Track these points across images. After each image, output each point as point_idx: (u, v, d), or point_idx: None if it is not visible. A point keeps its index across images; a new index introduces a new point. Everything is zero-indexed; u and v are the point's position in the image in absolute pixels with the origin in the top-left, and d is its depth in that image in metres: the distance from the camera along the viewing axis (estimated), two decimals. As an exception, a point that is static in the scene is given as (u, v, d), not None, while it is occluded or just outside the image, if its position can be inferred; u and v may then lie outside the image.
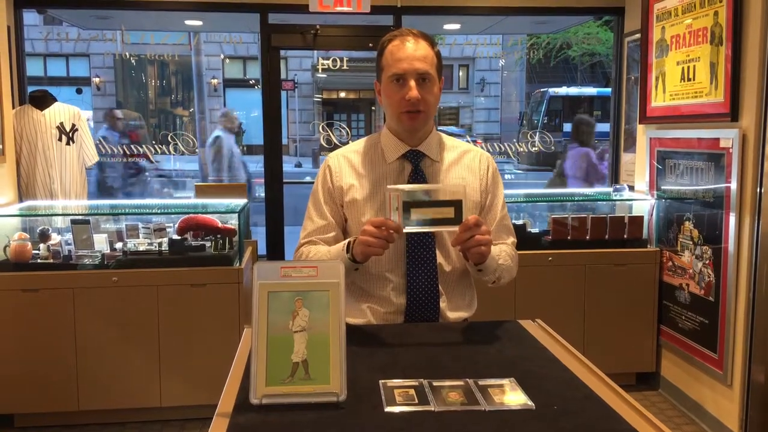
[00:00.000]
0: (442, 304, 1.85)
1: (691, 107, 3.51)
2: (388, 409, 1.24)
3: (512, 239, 1.97)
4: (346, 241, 1.76)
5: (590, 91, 15.60)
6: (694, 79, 3.47)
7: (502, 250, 1.87)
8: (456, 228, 1.61)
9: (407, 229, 1.61)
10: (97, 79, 16.71)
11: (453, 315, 1.87)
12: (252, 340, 1.29)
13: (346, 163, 1.90)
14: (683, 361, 3.72)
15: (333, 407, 1.25)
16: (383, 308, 1.84)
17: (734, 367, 3.26)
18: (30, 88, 4.53)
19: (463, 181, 1.88)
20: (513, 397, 1.30)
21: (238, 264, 3.54)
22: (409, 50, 1.77)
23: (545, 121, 14.67)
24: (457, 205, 1.61)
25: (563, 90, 15.26)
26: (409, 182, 1.84)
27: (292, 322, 1.31)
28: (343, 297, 1.33)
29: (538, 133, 6.47)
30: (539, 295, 3.83)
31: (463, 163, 1.91)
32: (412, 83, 1.75)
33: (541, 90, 15.43)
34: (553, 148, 6.30)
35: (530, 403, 1.27)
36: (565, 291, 3.87)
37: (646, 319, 3.92)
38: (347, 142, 5.53)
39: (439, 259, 1.85)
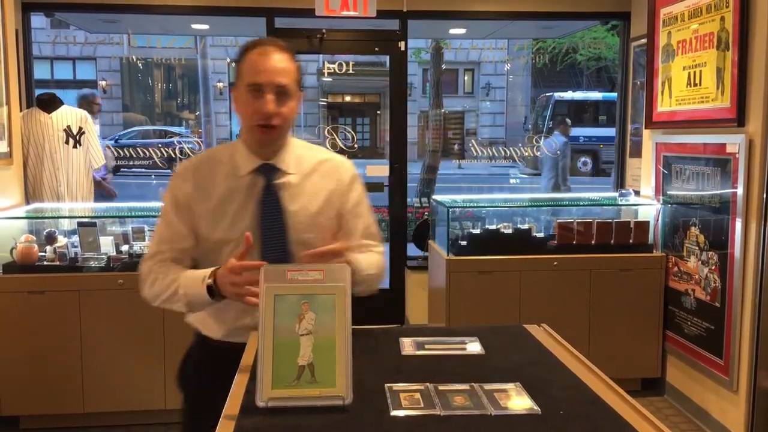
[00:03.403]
0: None
1: (698, 112, 3.50)
2: (393, 412, 1.24)
3: (380, 248, 1.88)
4: (208, 271, 1.65)
5: (595, 95, 15.60)
6: (700, 85, 3.47)
7: (373, 261, 1.80)
8: None
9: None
10: (103, 83, 16.77)
11: None
12: (258, 343, 1.29)
13: (197, 175, 1.77)
14: (689, 367, 3.71)
15: (339, 411, 1.25)
16: (231, 319, 1.77)
17: (740, 373, 3.25)
18: (37, 91, 4.55)
19: (318, 190, 1.79)
20: (519, 401, 1.30)
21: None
22: (270, 62, 1.67)
23: (550, 126, 14.67)
24: None
25: (569, 95, 15.26)
26: (260, 197, 1.73)
27: (298, 326, 1.31)
28: (349, 300, 1.33)
29: (543, 138, 6.46)
30: (544, 300, 3.82)
31: (319, 173, 1.81)
32: (270, 96, 1.66)
33: (547, 94, 15.43)
34: (558, 152, 6.29)
35: (536, 407, 1.27)
36: (570, 296, 3.86)
37: (652, 324, 3.91)
38: (353, 146, 5.55)
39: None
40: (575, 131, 14.68)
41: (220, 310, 1.74)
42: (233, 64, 1.78)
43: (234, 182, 1.75)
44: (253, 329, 1.69)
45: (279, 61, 1.68)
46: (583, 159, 14.75)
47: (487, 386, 1.36)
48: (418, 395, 1.31)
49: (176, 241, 1.76)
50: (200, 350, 1.87)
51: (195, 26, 5.52)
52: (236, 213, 1.73)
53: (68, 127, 4.33)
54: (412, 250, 5.01)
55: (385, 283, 5.04)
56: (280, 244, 1.73)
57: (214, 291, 1.62)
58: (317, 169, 1.81)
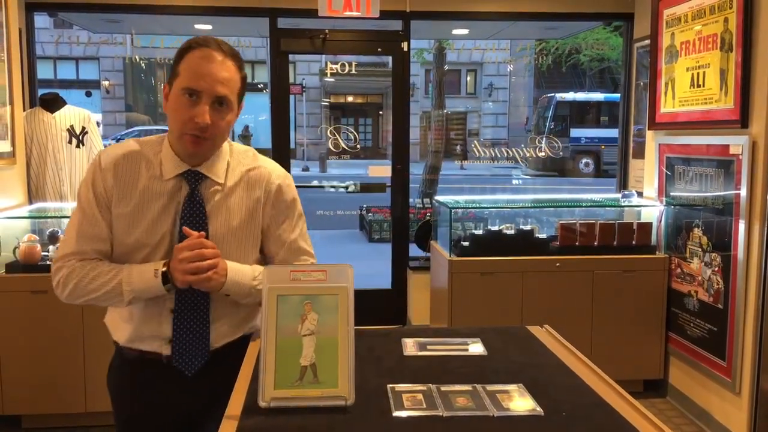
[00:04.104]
0: (213, 333, 1.64)
1: (701, 113, 3.50)
2: (396, 413, 1.24)
3: (308, 262, 1.76)
4: (158, 263, 1.58)
5: (597, 96, 15.61)
6: (703, 86, 3.47)
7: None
8: None
9: None
10: (106, 83, 16.82)
11: (222, 342, 1.67)
12: (261, 343, 1.29)
13: (119, 168, 1.61)
14: (691, 369, 3.70)
15: (341, 411, 1.25)
16: (137, 323, 1.66)
17: (743, 375, 3.24)
18: (41, 91, 4.55)
19: (242, 202, 1.66)
20: (521, 403, 1.30)
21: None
22: (213, 68, 1.53)
23: (552, 127, 14.65)
24: None
25: (570, 95, 15.25)
26: (183, 205, 1.60)
27: (301, 326, 1.31)
28: (352, 301, 1.33)
29: (544, 139, 6.45)
30: (547, 301, 3.82)
31: (245, 183, 1.67)
32: (206, 107, 1.53)
33: (548, 95, 15.43)
34: (561, 153, 6.28)
35: (538, 409, 1.27)
36: (572, 297, 3.85)
37: (654, 326, 3.90)
38: (355, 147, 5.55)
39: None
40: (576, 132, 14.70)
41: (130, 312, 1.66)
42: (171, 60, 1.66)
43: (157, 184, 1.61)
44: (158, 338, 1.64)
45: (223, 68, 1.55)
46: (584, 160, 14.74)
47: (490, 387, 1.36)
48: (420, 396, 1.31)
49: (98, 242, 1.62)
50: (116, 355, 1.80)
51: (198, 26, 5.52)
52: (156, 217, 1.60)
53: (71, 126, 4.33)
54: (414, 250, 5.01)
55: (388, 284, 5.04)
56: None
57: (168, 280, 1.55)
58: (243, 179, 1.67)
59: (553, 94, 15.18)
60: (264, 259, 1.75)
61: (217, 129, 1.56)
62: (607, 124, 14.56)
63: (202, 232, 1.56)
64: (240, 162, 1.69)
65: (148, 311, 1.64)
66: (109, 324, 1.77)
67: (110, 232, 1.62)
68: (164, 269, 1.55)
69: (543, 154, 5.97)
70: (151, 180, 1.61)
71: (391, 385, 1.36)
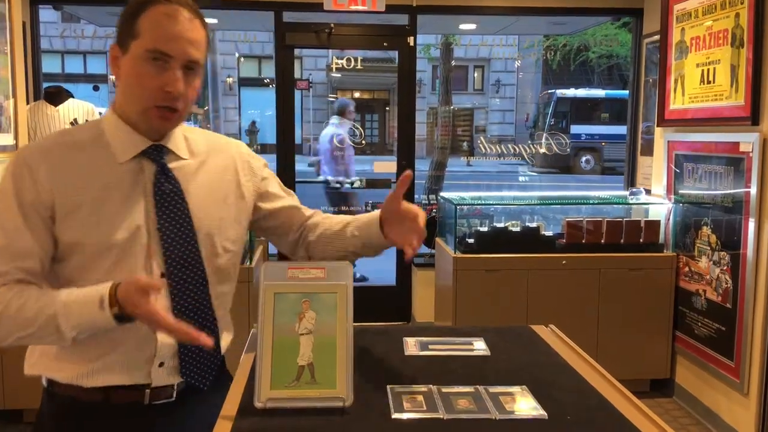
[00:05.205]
0: (223, 342, 1.49)
1: (711, 110, 3.45)
2: (395, 415, 1.21)
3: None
4: (102, 289, 1.24)
5: (598, 93, 15.45)
6: (713, 82, 3.42)
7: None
8: None
9: None
10: (113, 77, 16.86)
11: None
12: (257, 342, 1.27)
13: (55, 163, 1.33)
14: (699, 369, 3.66)
15: (339, 412, 1.22)
16: (93, 355, 1.37)
17: (751, 375, 3.20)
18: (48, 85, 4.55)
19: (217, 171, 1.48)
20: (524, 405, 1.27)
21: (248, 263, 3.52)
22: (184, 28, 1.31)
23: (552, 123, 14.51)
24: None
25: (571, 92, 15.09)
26: (154, 185, 1.37)
27: (298, 325, 1.28)
28: (351, 300, 1.30)
29: (545, 136, 6.39)
30: (552, 300, 3.78)
31: (214, 152, 1.50)
32: (179, 73, 1.31)
33: (549, 92, 15.30)
34: (568, 150, 6.23)
35: (542, 411, 1.24)
36: (579, 295, 3.82)
37: (662, 325, 3.86)
38: (361, 143, 5.51)
39: (211, 277, 1.45)
40: (576, 129, 14.57)
41: (79, 342, 1.31)
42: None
43: (109, 171, 1.35)
44: (146, 362, 1.39)
45: (193, 28, 1.33)
46: (585, 157, 14.62)
47: (492, 389, 1.33)
48: (420, 397, 1.28)
49: (24, 258, 1.29)
50: (50, 406, 1.50)
51: (203, 20, 5.51)
52: (118, 211, 1.33)
53: (75, 120, 4.33)
54: (419, 247, 4.98)
55: (392, 281, 5.02)
56: (189, 239, 1.39)
57: (122, 315, 1.24)
58: (211, 149, 1.50)
59: (553, 91, 15.05)
60: (266, 233, 1.63)
61: (189, 99, 1.36)
62: (608, 120, 14.41)
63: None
64: (194, 134, 1.50)
65: (127, 333, 1.33)
66: (42, 366, 1.48)
67: (45, 244, 1.31)
68: (115, 309, 1.23)
69: (543, 150, 5.93)
70: (99, 168, 1.35)
71: (390, 386, 1.33)
